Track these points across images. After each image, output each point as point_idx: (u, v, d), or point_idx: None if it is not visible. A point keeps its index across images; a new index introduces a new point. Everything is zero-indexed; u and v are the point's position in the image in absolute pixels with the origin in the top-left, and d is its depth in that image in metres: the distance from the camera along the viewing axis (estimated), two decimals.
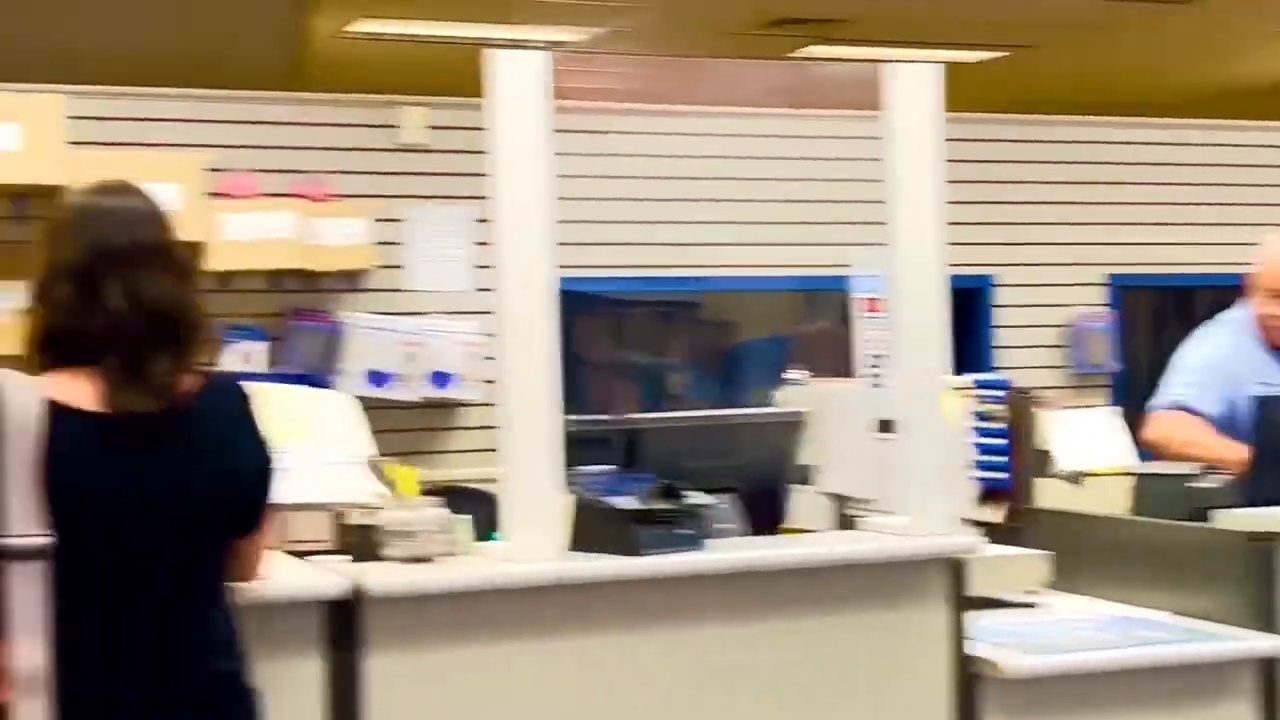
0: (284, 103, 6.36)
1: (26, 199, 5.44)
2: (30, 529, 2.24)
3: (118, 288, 2.31)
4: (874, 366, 3.42)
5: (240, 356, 5.76)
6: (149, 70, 6.54)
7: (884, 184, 3.24)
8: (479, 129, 6.42)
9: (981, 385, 3.97)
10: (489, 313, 6.16)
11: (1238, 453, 4.01)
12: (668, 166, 6.48)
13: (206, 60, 7.40)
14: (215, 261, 5.73)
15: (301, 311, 6.10)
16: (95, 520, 2.29)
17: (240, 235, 5.78)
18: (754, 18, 8.81)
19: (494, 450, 6.35)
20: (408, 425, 6.07)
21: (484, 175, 6.16)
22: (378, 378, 6.03)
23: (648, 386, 6.82)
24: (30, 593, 2.24)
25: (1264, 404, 3.94)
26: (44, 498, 2.25)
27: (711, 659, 3.08)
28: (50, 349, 2.35)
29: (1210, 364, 4.48)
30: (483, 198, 6.13)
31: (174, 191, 5.62)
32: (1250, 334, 4.51)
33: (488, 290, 6.18)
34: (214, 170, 5.87)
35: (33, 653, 2.24)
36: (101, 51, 7.32)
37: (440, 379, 6.15)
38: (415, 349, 6.11)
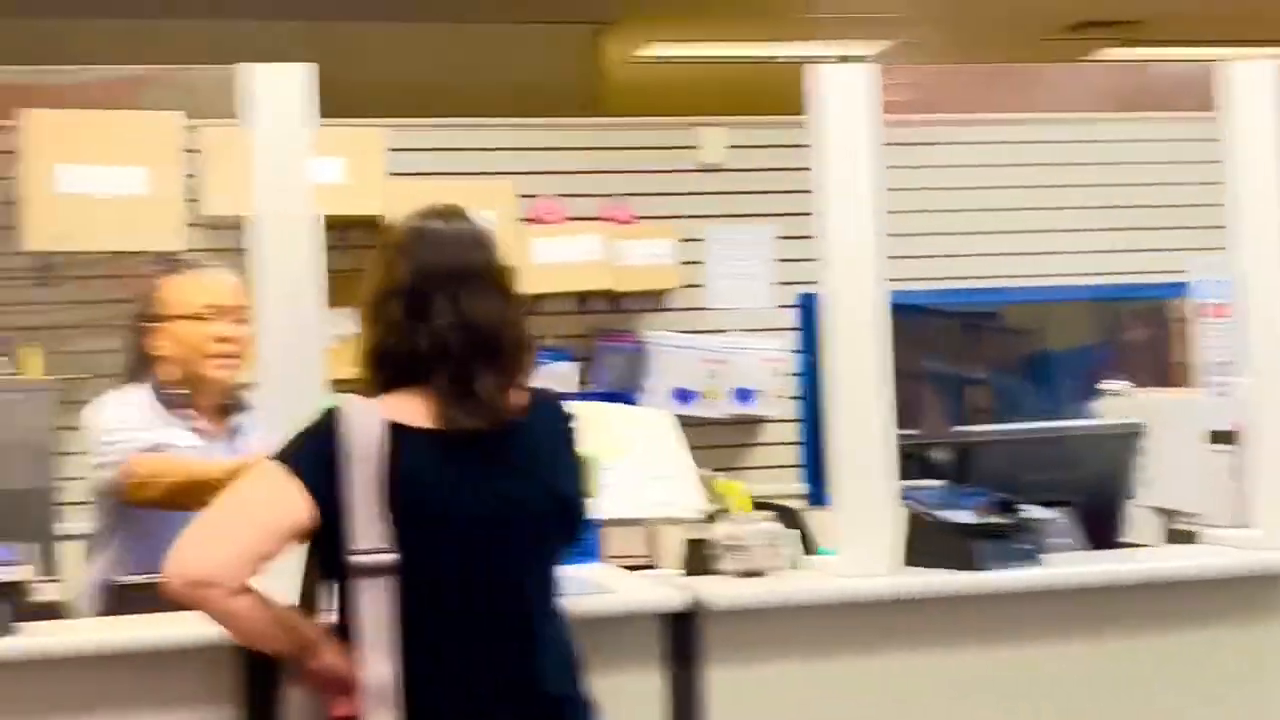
0: (588, 128, 6.48)
1: (348, 230, 5.68)
2: (377, 545, 2.32)
3: (445, 307, 2.37)
4: (1218, 374, 3.30)
5: (550, 377, 5.88)
6: (458, 102, 6.74)
7: (1224, 187, 3.13)
8: (777, 146, 6.47)
9: None
10: (790, 329, 6.28)
11: None
12: (988, 176, 6.37)
13: (510, 91, 7.60)
14: (525, 285, 5.87)
15: (607, 332, 6.21)
16: (437, 535, 2.35)
17: (549, 259, 5.92)
18: (1052, 22, 8.63)
19: (794, 466, 6.39)
20: (708, 442, 6.11)
21: (783, 192, 6.22)
22: (683, 395, 6.09)
23: (955, 399, 6.71)
24: (379, 607, 2.32)
25: None
26: (389, 515, 2.32)
27: (1051, 676, 3.02)
28: (383, 368, 2.42)
29: None
30: (781, 215, 6.21)
31: (489, 219, 5.80)
32: None
33: (788, 307, 6.31)
34: (524, 196, 6.02)
35: (382, 666, 2.32)
36: (414, 86, 7.59)
37: (743, 395, 6.18)
38: (718, 366, 6.15)
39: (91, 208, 5.33)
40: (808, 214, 6.64)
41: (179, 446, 3.39)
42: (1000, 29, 8.57)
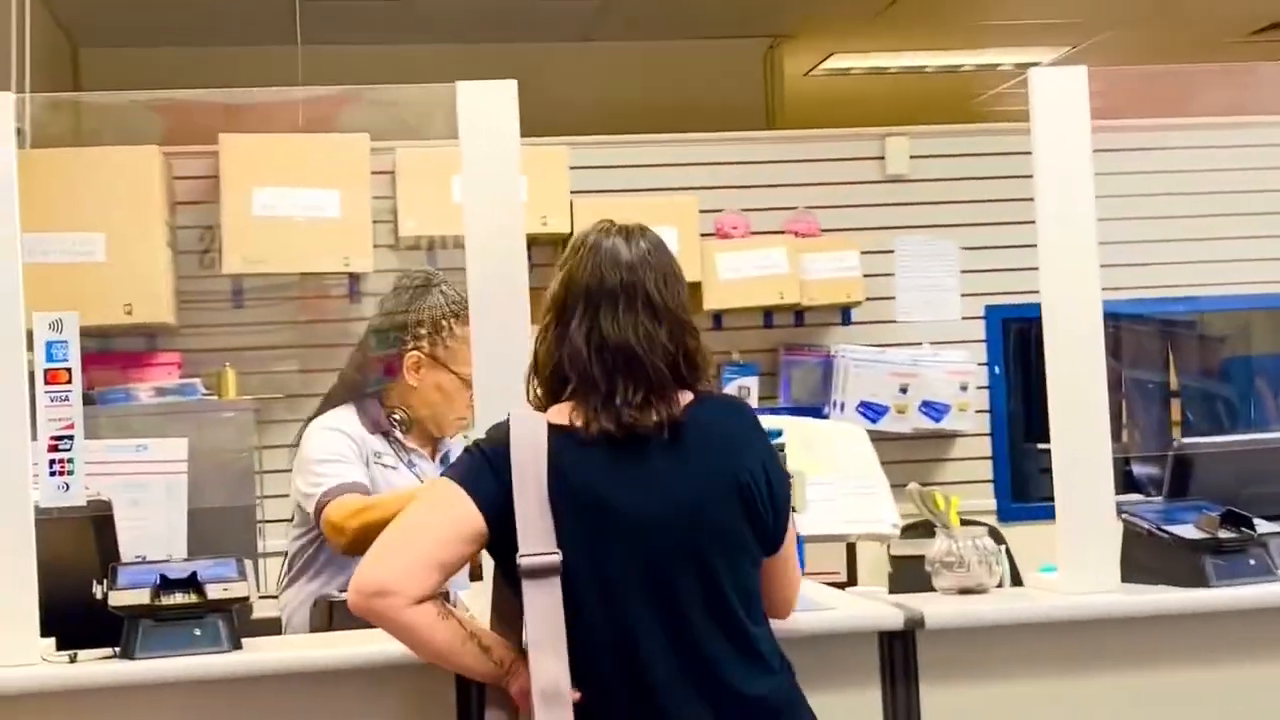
0: (770, 141, 6.47)
1: (531, 248, 5.72)
2: (544, 547, 2.32)
3: (584, 324, 2.41)
4: None
5: (735, 392, 5.86)
6: (639, 119, 6.77)
7: None
8: (960, 155, 6.37)
9: None
10: (977, 341, 6.18)
11: None
12: (1188, 182, 6.22)
13: (689, 106, 7.61)
14: (713, 300, 5.87)
15: (792, 346, 6.16)
16: (600, 533, 2.34)
17: (734, 273, 5.90)
18: (1237, 27, 8.41)
19: (984, 481, 6.27)
20: (896, 457, 6.04)
21: (965, 202, 6.12)
22: (870, 408, 6.02)
23: (1154, 409, 6.54)
24: (546, 607, 2.32)
25: None
26: (553, 516, 2.33)
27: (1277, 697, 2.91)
28: (541, 379, 2.46)
29: None
30: (964, 225, 6.11)
31: (672, 235, 5.80)
32: None
33: (974, 319, 6.21)
34: (708, 212, 6.01)
35: (553, 666, 2.31)
36: (595, 104, 7.64)
37: (931, 409, 6.10)
38: (907, 379, 6.08)
39: (286, 230, 5.43)
40: (990, 224, 6.54)
41: (380, 484, 3.40)
42: (1179, 33, 8.38)
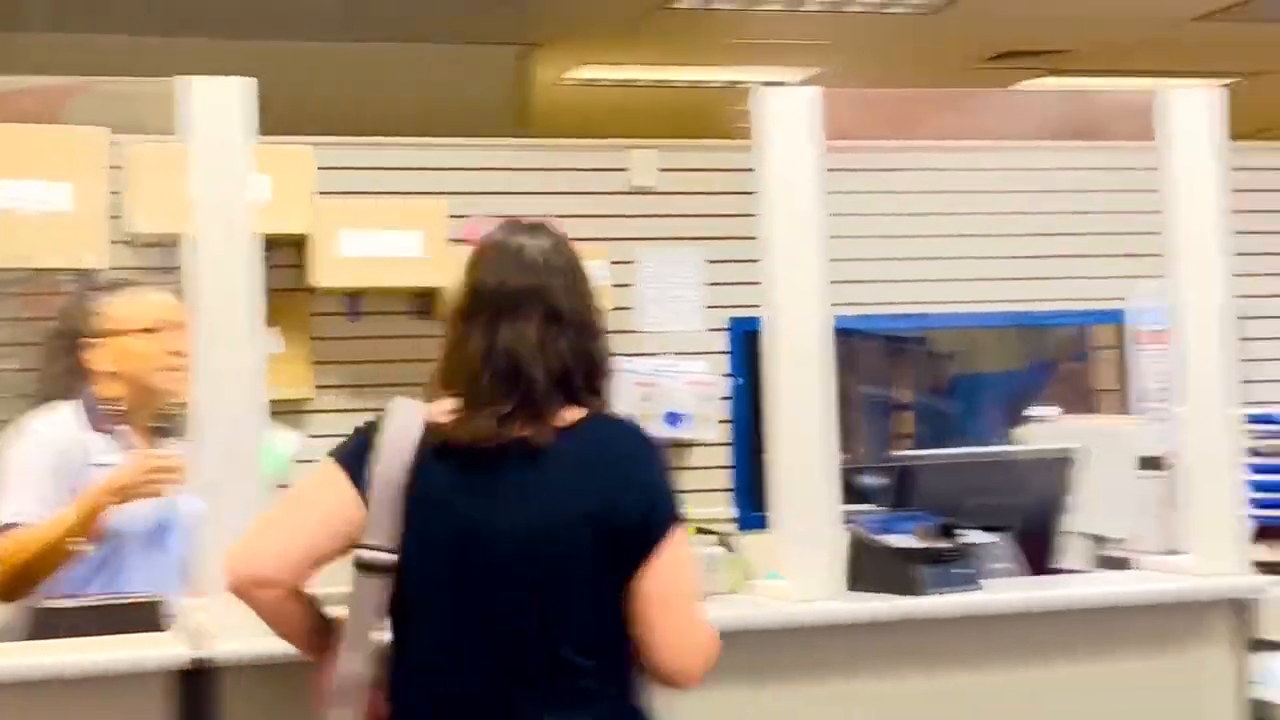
0: (519, 149, 6.46)
1: (273, 249, 5.61)
2: (383, 543, 2.29)
3: (479, 328, 2.35)
4: (1153, 401, 3.33)
5: None
6: (389, 122, 6.70)
7: (1159, 215, 3.16)
8: (707, 170, 6.46)
9: (1255, 420, 3.85)
10: (721, 352, 6.28)
11: None
12: (916, 203, 6.42)
13: (439, 111, 7.56)
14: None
15: None
16: (438, 543, 2.30)
17: None
18: (976, 52, 8.73)
19: (724, 490, 6.37)
20: None
21: (712, 216, 6.23)
22: None
23: (882, 423, 6.74)
24: (369, 605, 2.30)
25: None
26: (402, 514, 2.29)
27: (991, 701, 3.02)
28: (440, 379, 2.40)
29: None
30: (711, 239, 6.21)
31: (418, 238, 5.76)
32: None
33: (718, 330, 6.31)
34: (456, 217, 5.98)
35: (356, 663, 2.30)
36: (344, 105, 7.54)
37: (673, 419, 6.17)
38: (649, 389, 6.14)
39: (16, 224, 5.23)
40: (737, 238, 6.63)
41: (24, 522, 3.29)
42: (925, 59, 8.66)
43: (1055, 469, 3.40)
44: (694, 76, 9.37)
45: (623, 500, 2.31)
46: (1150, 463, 3.86)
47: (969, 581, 3.03)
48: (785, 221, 3.00)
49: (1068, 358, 7.15)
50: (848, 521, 3.06)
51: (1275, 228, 7.20)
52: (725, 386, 6.31)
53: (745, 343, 6.33)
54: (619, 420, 2.42)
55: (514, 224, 2.49)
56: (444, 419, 2.35)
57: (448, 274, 5.72)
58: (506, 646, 2.30)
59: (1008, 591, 3.07)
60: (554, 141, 6.53)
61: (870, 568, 3.01)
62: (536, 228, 2.48)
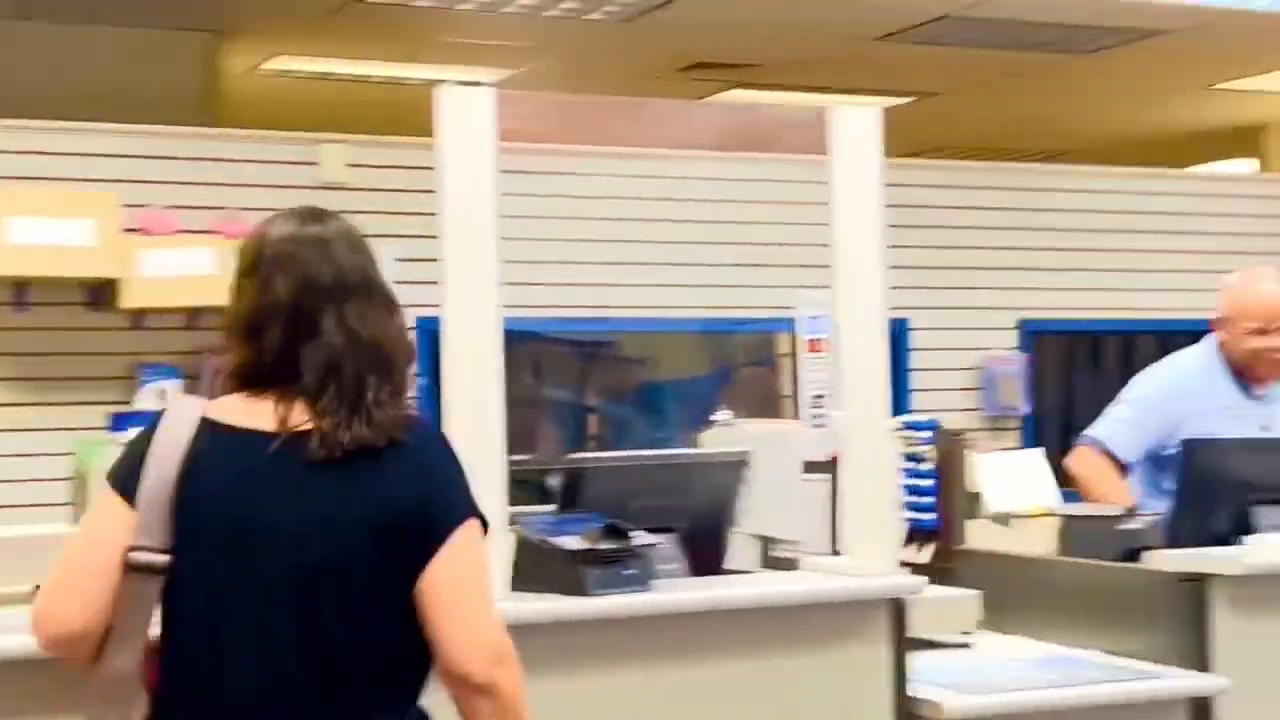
0: (202, 139, 6.30)
1: None
2: (156, 544, 2.19)
3: (334, 323, 2.26)
4: (815, 407, 3.43)
5: (155, 395, 5.66)
6: (68, 106, 6.44)
7: (829, 227, 3.26)
8: (399, 167, 6.42)
9: (910, 427, 4.00)
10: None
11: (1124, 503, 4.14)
12: (598, 208, 6.49)
13: (123, 97, 7.30)
14: (132, 299, 5.66)
15: (220, 349, 6.01)
16: (214, 543, 2.20)
17: (158, 272, 5.70)
18: (669, 62, 8.87)
19: None
20: None
21: (405, 214, 6.18)
22: None
23: (570, 426, 6.79)
24: (140, 605, 2.19)
25: (1190, 447, 4.01)
26: (172, 514, 2.20)
27: (655, 700, 3.06)
28: (225, 371, 2.32)
29: (1156, 404, 4.57)
30: (403, 237, 6.16)
31: (89, 227, 5.56)
32: (1219, 366, 4.57)
33: (408, 329, 6.26)
34: (133, 206, 5.79)
35: (122, 664, 2.20)
36: (19, 87, 7.21)
37: None
38: None
39: None
40: (426, 237, 6.61)
41: None
42: (622, 66, 8.76)
43: (725, 472, 3.47)
44: (393, 73, 9.28)
45: (402, 497, 2.23)
46: (815, 466, 3.99)
47: (636, 582, 3.06)
48: (458, 220, 2.99)
49: (752, 363, 7.33)
50: (513, 523, 3.07)
51: (950, 243, 7.54)
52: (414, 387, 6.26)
53: (431, 342, 6.29)
54: (409, 417, 2.32)
55: (301, 212, 2.39)
56: (224, 413, 2.25)
57: (120, 264, 5.60)
58: (275, 652, 2.20)
59: (674, 592, 3.11)
60: (240, 132, 6.39)
61: (536, 569, 3.02)
62: (325, 215, 2.38)
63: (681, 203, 6.61)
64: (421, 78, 9.32)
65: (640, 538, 3.10)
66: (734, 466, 3.45)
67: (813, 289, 3.50)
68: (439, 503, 2.25)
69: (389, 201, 6.29)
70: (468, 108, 3.00)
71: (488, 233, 2.99)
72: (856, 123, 3.28)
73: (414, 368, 2.38)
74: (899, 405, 6.97)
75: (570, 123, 3.22)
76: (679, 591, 3.13)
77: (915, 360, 7.47)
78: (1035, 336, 7.75)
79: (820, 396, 3.43)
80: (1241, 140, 10.97)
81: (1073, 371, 7.92)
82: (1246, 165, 10.80)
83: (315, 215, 2.38)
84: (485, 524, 2.32)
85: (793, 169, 5.94)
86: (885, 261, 3.26)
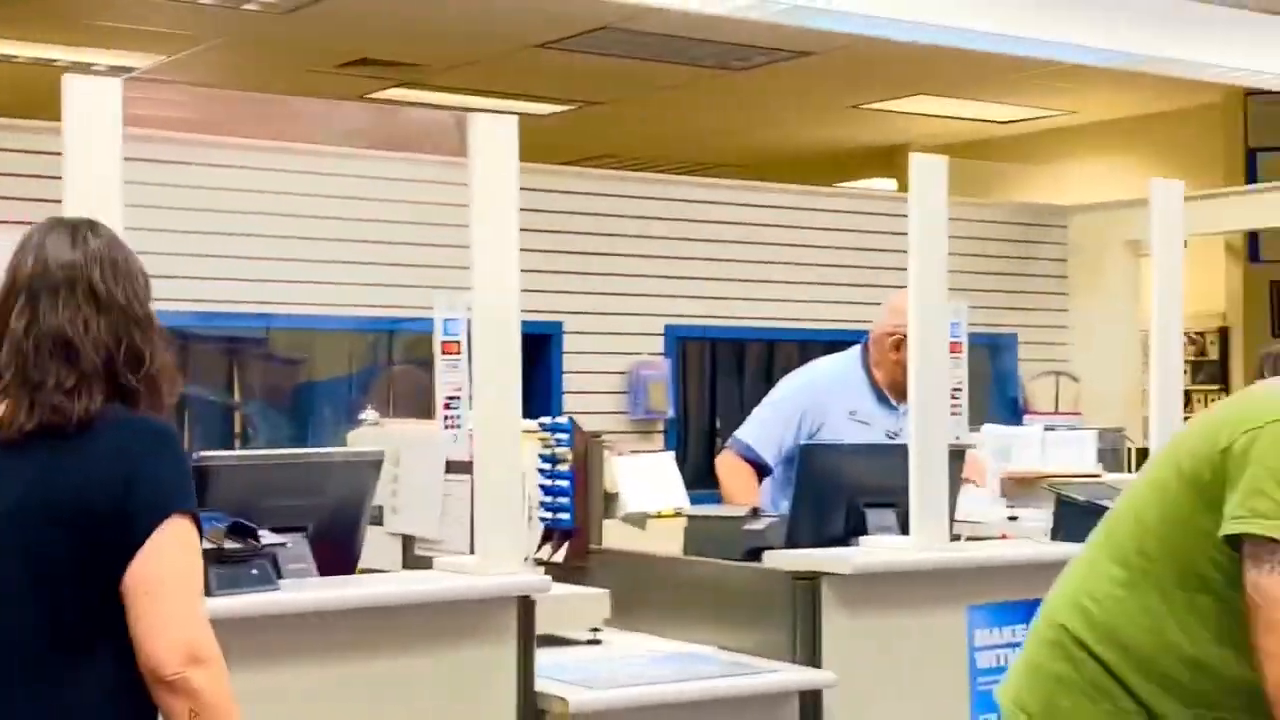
0: None
1: None
2: None
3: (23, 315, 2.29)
4: (450, 408, 3.47)
5: None
6: None
7: (468, 229, 3.30)
8: (41, 152, 6.19)
9: (548, 429, 4.08)
10: None
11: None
12: (241, 201, 6.39)
13: None
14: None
15: None
16: None
17: None
18: (330, 57, 8.79)
19: None
20: None
21: (41, 200, 5.96)
22: None
23: (214, 424, 6.67)
24: None
25: (808, 453, 4.19)
26: None
27: (282, 701, 3.05)
28: None
29: (792, 396, 4.72)
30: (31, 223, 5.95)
31: None
32: (859, 373, 4.73)
33: None
34: None
35: None
36: None
37: None
38: None
39: None
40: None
41: None
42: (282, 58, 8.64)
43: (358, 471, 3.48)
44: (46, 55, 8.93)
45: (94, 484, 2.22)
46: (456, 467, 4.03)
47: (263, 582, 3.04)
48: (80, 211, 2.92)
49: (408, 362, 7.33)
50: None
51: (603, 250, 7.70)
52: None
53: None
54: (129, 411, 2.30)
55: (56, 218, 2.44)
56: None
57: None
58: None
59: (300, 592, 3.10)
60: None
61: None
62: (79, 222, 2.44)
63: (330, 200, 6.57)
64: (72, 60, 9.00)
65: (268, 537, 3.09)
66: (366, 466, 3.46)
67: (453, 290, 3.53)
68: (142, 495, 2.23)
69: (30, 188, 6.07)
70: (94, 97, 2.94)
71: (112, 222, 2.93)
72: (495, 129, 3.34)
73: (156, 365, 2.35)
74: (551, 408, 7.12)
75: (208, 115, 3.16)
76: (304, 591, 3.12)
77: (568, 364, 7.60)
78: (682, 343, 7.99)
79: (454, 398, 3.47)
80: (883, 159, 11.53)
81: (717, 377, 8.19)
82: (887, 184, 11.35)
83: (64, 221, 2.45)
84: (197, 519, 2.31)
85: (436, 170, 5.98)
86: (519, 266, 3.32)
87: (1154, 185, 4.27)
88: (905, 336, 4.38)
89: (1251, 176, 10.10)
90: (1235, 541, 2.18)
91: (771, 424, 4.70)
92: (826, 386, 4.73)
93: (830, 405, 4.65)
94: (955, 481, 3.99)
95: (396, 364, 6.97)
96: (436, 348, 3.53)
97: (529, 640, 3.32)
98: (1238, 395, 2.38)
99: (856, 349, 4.79)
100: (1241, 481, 2.17)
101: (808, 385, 4.76)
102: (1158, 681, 2.28)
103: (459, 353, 3.45)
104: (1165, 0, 5.97)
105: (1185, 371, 10.74)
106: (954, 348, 3.96)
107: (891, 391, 4.67)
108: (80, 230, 2.41)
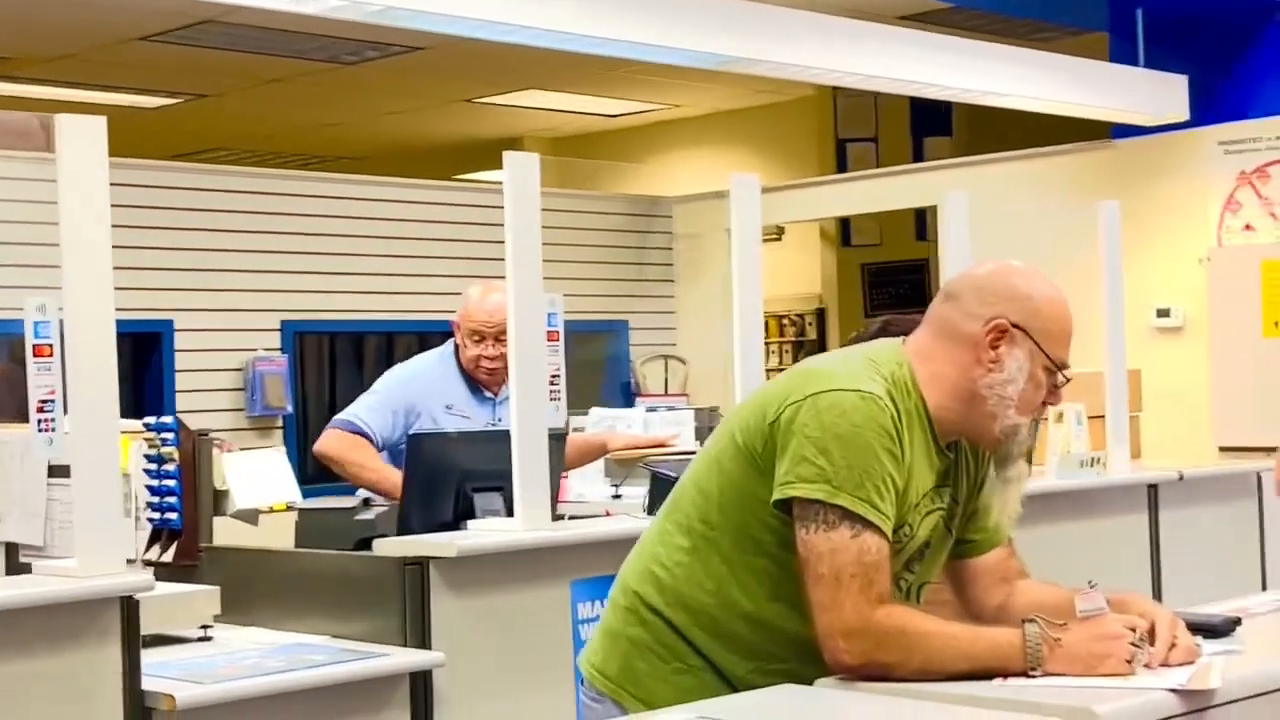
0: None
1: None
2: None
3: None
4: (44, 411, 3.43)
5: None
6: None
7: (58, 229, 3.26)
8: None
9: (154, 428, 4.05)
10: None
11: (394, 478, 4.35)
12: None
13: None
14: None
15: None
16: None
17: None
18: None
19: None
20: None
21: None
22: None
23: None
24: None
25: (417, 441, 4.30)
26: None
27: None
28: None
29: (394, 388, 4.75)
30: None
31: None
32: (453, 367, 4.78)
33: None
34: None
35: None
36: None
37: None
38: None
39: None
40: None
41: None
42: None
43: None
44: None
45: None
46: (59, 470, 3.97)
47: None
48: None
49: (12, 362, 7.07)
50: None
51: (215, 245, 7.60)
52: None
53: None
54: None
55: None
56: None
57: None
58: None
59: None
60: None
61: None
62: None
63: None
64: None
65: None
66: None
67: (44, 290, 3.48)
68: None
69: None
70: None
71: None
72: (83, 129, 3.31)
73: None
74: (164, 407, 7.00)
75: None
76: None
77: (181, 362, 7.48)
78: (298, 337, 7.96)
79: (48, 401, 3.43)
80: (499, 152, 11.67)
81: (337, 370, 8.20)
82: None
83: None
84: None
85: (26, 167, 5.83)
86: (112, 265, 3.30)
87: (733, 180, 4.54)
88: (476, 329, 4.53)
89: (842, 166, 10.69)
90: (786, 506, 2.39)
91: (378, 407, 4.71)
92: (424, 382, 4.77)
93: (428, 400, 4.70)
94: (557, 464, 4.15)
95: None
96: (29, 351, 3.48)
97: (134, 640, 3.31)
98: (787, 372, 2.60)
99: (451, 342, 4.85)
100: (788, 451, 2.38)
101: (406, 379, 4.80)
102: (722, 640, 2.49)
103: (51, 355, 3.41)
104: (753, 6, 6.29)
105: (787, 350, 11.37)
106: (551, 336, 4.12)
107: (477, 383, 4.75)
108: None
